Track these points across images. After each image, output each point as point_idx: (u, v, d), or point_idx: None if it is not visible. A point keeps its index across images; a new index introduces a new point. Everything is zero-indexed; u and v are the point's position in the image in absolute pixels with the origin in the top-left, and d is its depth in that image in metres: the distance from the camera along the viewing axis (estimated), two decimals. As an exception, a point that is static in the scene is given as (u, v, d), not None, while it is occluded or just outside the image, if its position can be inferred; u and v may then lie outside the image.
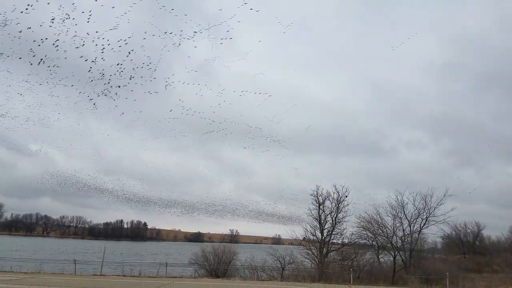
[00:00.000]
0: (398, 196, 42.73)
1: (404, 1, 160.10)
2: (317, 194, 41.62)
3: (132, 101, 62.93)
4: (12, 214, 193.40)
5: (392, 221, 42.46)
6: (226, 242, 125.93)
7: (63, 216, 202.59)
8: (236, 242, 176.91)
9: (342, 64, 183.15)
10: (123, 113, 61.00)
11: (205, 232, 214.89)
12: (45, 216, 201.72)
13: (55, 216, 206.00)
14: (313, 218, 41.74)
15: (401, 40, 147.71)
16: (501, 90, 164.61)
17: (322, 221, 41.14)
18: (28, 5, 26.67)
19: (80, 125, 72.47)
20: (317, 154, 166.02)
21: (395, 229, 42.33)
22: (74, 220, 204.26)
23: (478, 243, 79.39)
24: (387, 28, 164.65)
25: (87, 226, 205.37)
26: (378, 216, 42.79)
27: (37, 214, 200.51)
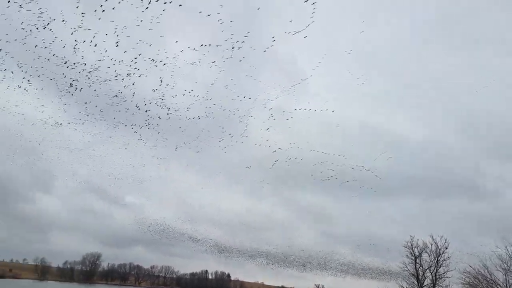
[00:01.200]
0: (509, 247, 37.62)
1: (495, 25, 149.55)
2: (411, 245, 38.61)
3: (212, 151, 66.32)
4: (108, 263, 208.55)
5: (504, 276, 37.25)
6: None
7: (153, 266, 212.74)
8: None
9: (428, 98, 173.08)
10: (203, 164, 64.32)
11: (290, 287, 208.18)
12: (137, 266, 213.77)
13: (146, 265, 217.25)
14: (409, 273, 38.35)
15: (493, 71, 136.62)
16: None
17: (420, 277, 37.55)
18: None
19: (167, 175, 77.72)
20: (407, 198, 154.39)
21: (508, 286, 36.96)
22: (163, 270, 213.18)
23: None
24: (477, 58, 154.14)
25: (174, 276, 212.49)
26: (486, 271, 37.87)
27: (130, 263, 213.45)
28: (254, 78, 43.54)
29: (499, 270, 37.31)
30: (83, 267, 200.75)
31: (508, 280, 37.13)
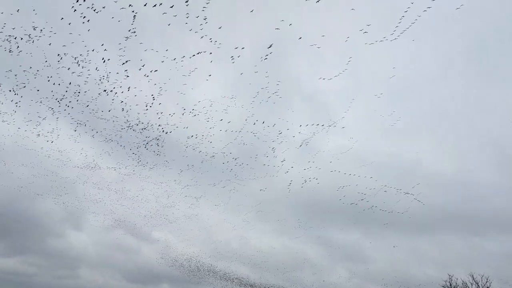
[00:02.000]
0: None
1: None
2: (450, 285, 34.77)
3: (239, 185, 65.34)
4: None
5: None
6: None
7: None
8: None
9: (460, 129, 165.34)
10: (230, 198, 63.46)
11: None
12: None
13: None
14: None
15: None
16: None
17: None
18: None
19: (196, 213, 77.60)
20: (443, 235, 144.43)
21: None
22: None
23: None
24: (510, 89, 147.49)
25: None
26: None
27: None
28: (283, 119, 43.62)
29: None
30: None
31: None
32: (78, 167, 61.32)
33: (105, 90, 39.43)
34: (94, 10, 32.89)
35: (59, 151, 59.69)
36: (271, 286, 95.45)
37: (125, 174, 59.27)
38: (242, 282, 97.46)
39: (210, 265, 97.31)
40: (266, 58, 37.95)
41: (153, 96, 37.56)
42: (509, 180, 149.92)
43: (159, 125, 41.03)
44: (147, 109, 39.77)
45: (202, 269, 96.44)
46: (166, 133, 41.48)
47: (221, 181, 54.81)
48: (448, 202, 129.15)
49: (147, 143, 42.15)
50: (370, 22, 35.89)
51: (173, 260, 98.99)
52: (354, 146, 51.86)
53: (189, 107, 42.38)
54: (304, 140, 47.52)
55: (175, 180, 56.31)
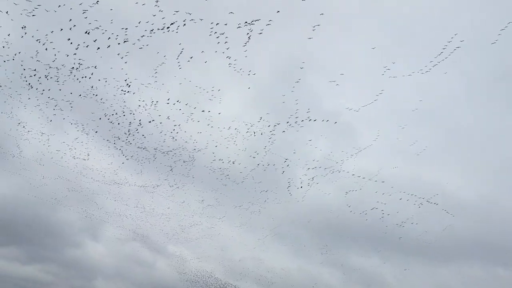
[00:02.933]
0: None
1: None
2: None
3: (261, 208, 65.45)
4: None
5: None
6: None
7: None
8: None
9: (483, 152, 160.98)
10: (244, 205, 63.53)
11: None
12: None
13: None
14: None
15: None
16: None
17: None
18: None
19: (206, 222, 77.42)
20: (466, 264, 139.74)
21: None
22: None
23: None
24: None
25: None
26: None
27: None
28: (300, 128, 43.48)
29: None
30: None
31: None
32: (107, 183, 62.74)
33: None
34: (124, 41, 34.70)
35: (89, 167, 61.05)
36: None
37: (151, 191, 60.29)
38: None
39: (223, 281, 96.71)
40: (297, 82, 38.58)
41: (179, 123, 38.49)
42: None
43: (185, 148, 41.91)
44: (176, 132, 40.86)
45: (215, 285, 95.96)
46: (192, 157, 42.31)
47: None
48: (474, 231, 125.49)
49: (174, 165, 43.12)
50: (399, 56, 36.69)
51: (187, 275, 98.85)
52: (379, 173, 51.80)
53: (216, 128, 43.14)
54: (328, 166, 47.74)
55: (198, 200, 57.00)
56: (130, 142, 46.91)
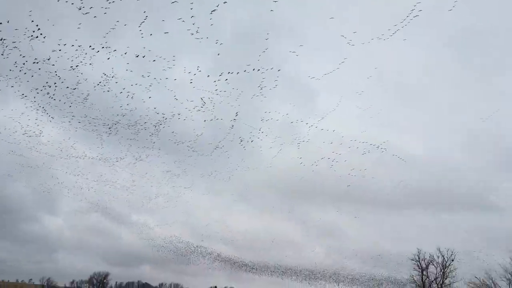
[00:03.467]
0: (513, 258, 37.78)
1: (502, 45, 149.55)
2: (418, 258, 39.10)
3: (216, 164, 67.39)
4: (116, 282, 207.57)
5: (508, 286, 37.53)
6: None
7: (162, 284, 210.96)
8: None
9: (433, 113, 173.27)
10: (211, 174, 65.21)
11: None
12: (146, 283, 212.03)
13: (154, 283, 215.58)
14: (416, 285, 38.67)
15: (500, 82, 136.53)
16: None
17: (427, 288, 37.69)
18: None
19: (172, 191, 78.46)
20: (415, 212, 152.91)
21: (512, 295, 37.03)
22: (172, 287, 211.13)
23: None
24: (484, 70, 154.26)
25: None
26: (491, 282, 38.18)
27: (138, 281, 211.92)
28: (265, 97, 44.53)
29: (503, 280, 37.69)
30: (91, 286, 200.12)
31: (513, 290, 37.37)
32: (64, 157, 61.45)
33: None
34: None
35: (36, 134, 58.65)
36: (252, 263, 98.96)
37: (113, 164, 60.00)
38: (224, 259, 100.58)
39: (191, 245, 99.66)
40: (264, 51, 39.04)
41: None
42: (476, 162, 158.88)
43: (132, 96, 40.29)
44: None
45: (183, 250, 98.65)
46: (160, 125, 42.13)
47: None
48: (422, 181, 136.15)
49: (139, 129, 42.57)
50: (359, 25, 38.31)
51: (154, 242, 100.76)
52: (331, 129, 54.32)
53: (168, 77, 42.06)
54: (288, 125, 49.58)
55: (164, 171, 57.58)
56: (86, 115, 46.05)
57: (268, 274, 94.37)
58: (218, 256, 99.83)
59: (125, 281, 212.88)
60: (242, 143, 56.37)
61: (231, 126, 45.24)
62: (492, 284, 37.60)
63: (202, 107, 39.87)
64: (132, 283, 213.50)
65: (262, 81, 39.24)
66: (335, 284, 73.88)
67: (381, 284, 49.91)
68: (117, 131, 43.93)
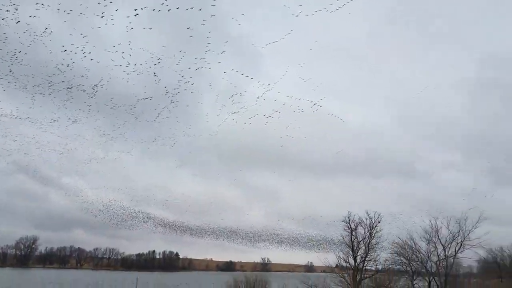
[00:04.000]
0: (432, 221, 42.00)
1: (438, 19, 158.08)
2: (349, 220, 41.80)
3: (159, 130, 65.66)
4: (46, 247, 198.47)
5: (427, 246, 41.84)
6: (258, 271, 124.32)
7: (96, 248, 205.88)
8: (268, 270, 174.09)
9: (371, 86, 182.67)
10: (154, 139, 63.40)
11: (237, 261, 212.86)
12: (79, 248, 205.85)
13: (88, 248, 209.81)
14: (345, 244, 41.73)
15: (433, 59, 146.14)
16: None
17: (355, 248, 41.00)
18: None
19: (106, 154, 75.16)
20: (349, 179, 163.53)
21: (429, 254, 41.60)
22: (107, 251, 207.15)
23: (515, 266, 75.76)
24: (417, 46, 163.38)
25: (119, 257, 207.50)
26: (412, 242, 42.25)
27: (71, 247, 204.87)
28: (208, 63, 42.87)
29: (422, 241, 41.77)
30: (17, 252, 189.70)
31: (430, 249, 41.61)
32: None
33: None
34: None
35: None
36: (191, 226, 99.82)
37: (45, 124, 55.23)
38: (164, 223, 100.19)
39: (127, 209, 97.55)
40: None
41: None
42: (405, 133, 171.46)
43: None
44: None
45: (119, 214, 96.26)
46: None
47: (136, 119, 52.98)
48: (356, 150, 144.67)
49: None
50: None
51: (87, 206, 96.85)
52: (277, 95, 54.83)
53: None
54: (233, 93, 48.96)
55: (99, 134, 54.34)
56: (12, 71, 41.37)
57: (209, 237, 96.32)
58: (157, 220, 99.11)
59: (56, 246, 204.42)
60: (187, 109, 55.08)
61: (175, 92, 43.44)
62: (413, 244, 41.66)
63: (143, 72, 37.67)
64: (64, 248, 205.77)
65: (208, 46, 37.95)
66: (277, 245, 77.37)
67: (320, 244, 53.28)
68: (51, 91, 40.11)
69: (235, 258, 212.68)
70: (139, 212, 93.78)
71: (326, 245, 49.81)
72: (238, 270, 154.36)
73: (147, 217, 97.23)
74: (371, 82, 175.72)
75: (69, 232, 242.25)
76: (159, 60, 35.13)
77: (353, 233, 41.36)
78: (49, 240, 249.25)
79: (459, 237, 40.32)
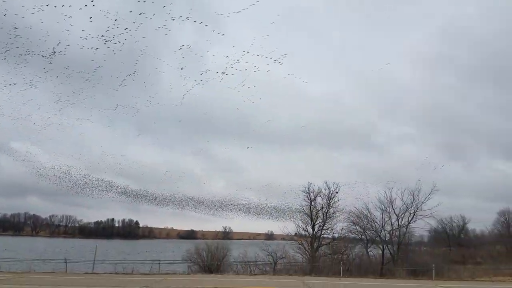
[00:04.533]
0: (387, 192, 43.59)
1: None
2: (308, 190, 42.55)
3: (121, 98, 62.91)
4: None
5: (381, 215, 43.54)
6: (219, 239, 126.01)
7: (52, 216, 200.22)
8: (229, 239, 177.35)
9: (333, 58, 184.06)
10: (115, 107, 60.61)
11: (198, 230, 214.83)
12: (34, 215, 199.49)
13: (44, 215, 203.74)
14: (304, 214, 42.64)
15: (392, 32, 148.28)
16: (488, 83, 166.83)
17: (314, 217, 42.02)
18: None
19: (63, 120, 71.21)
20: (309, 150, 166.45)
21: (383, 223, 43.37)
22: (64, 219, 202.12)
23: (463, 236, 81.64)
24: (377, 19, 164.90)
25: (77, 225, 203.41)
26: (367, 211, 43.75)
27: (25, 213, 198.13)
28: (169, 30, 40.48)
29: (377, 211, 43.38)
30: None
31: (384, 218, 43.33)
32: None
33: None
34: None
35: None
36: (151, 195, 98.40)
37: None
38: (126, 192, 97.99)
39: (84, 176, 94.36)
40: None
41: None
42: (368, 101, 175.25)
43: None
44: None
45: (75, 181, 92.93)
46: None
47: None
48: (316, 121, 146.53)
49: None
50: None
51: (41, 172, 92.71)
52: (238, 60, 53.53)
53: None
54: (193, 58, 47.08)
55: (54, 100, 50.76)
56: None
57: (169, 206, 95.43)
58: (119, 189, 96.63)
59: (9, 213, 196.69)
60: (148, 78, 52.59)
61: (136, 60, 41.04)
62: (368, 213, 43.13)
63: (103, 36, 34.92)
64: (19, 214, 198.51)
65: (170, 13, 35.68)
66: (238, 214, 77.87)
67: (280, 213, 54.04)
68: (6, 55, 36.58)
69: (196, 227, 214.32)
70: (101, 180, 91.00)
71: (286, 215, 50.66)
72: (200, 239, 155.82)
73: (110, 186, 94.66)
74: (334, 55, 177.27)
75: (22, 198, 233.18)
76: (118, 25, 32.68)
77: (312, 203, 42.31)
78: (1, 207, 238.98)
79: (412, 208, 42.33)
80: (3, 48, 33.67)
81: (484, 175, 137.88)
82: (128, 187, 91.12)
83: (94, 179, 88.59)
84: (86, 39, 34.59)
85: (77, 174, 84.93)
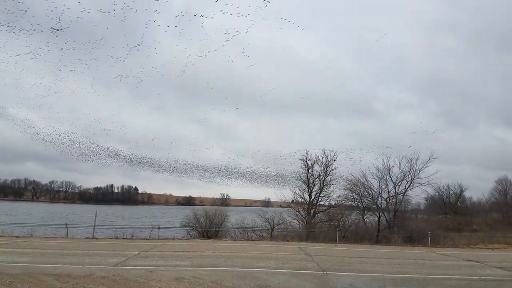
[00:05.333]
0: (385, 159, 43.60)
1: None
2: (306, 158, 42.55)
3: (111, 59, 61.60)
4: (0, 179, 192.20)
5: (378, 183, 43.69)
6: (217, 205, 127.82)
7: (52, 181, 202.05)
8: (227, 205, 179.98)
9: (329, 22, 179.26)
10: (116, 77, 59.81)
11: (196, 196, 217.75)
12: (34, 181, 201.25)
13: (44, 181, 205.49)
14: (301, 181, 42.86)
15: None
16: (489, 50, 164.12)
17: (311, 184, 42.26)
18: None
19: (58, 85, 69.92)
20: (306, 117, 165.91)
21: (380, 191, 43.60)
22: (64, 185, 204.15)
23: (459, 204, 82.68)
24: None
25: (77, 191, 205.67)
26: (364, 179, 43.90)
27: (25, 179, 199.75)
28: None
29: (374, 178, 43.57)
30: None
31: (381, 186, 43.62)
32: None
33: None
34: None
35: None
36: (150, 161, 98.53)
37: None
38: (126, 158, 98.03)
39: (82, 142, 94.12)
40: None
41: None
42: (367, 67, 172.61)
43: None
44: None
45: (73, 147, 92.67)
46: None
47: (86, 48, 48.99)
48: (313, 87, 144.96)
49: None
50: None
51: (39, 138, 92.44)
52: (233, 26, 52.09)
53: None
54: (194, 28, 45.81)
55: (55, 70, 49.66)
56: None
57: (168, 173, 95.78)
58: (114, 153, 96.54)
59: (9, 178, 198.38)
60: (149, 50, 51.49)
61: (139, 30, 39.92)
62: (366, 181, 43.34)
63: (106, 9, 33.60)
64: (19, 180, 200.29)
65: None
66: (236, 181, 78.42)
67: (271, 180, 54.34)
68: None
69: (194, 194, 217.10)
70: (93, 145, 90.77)
71: (283, 182, 51.04)
72: (198, 205, 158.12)
73: (103, 150, 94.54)
74: (333, 22, 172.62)
75: (21, 164, 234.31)
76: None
77: (310, 170, 42.44)
78: (3, 172, 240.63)
79: (410, 176, 42.47)
80: (10, 20, 32.61)
81: (483, 143, 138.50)
82: (128, 153, 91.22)
83: (99, 146, 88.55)
84: (89, 12, 33.54)
85: (74, 140, 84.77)
